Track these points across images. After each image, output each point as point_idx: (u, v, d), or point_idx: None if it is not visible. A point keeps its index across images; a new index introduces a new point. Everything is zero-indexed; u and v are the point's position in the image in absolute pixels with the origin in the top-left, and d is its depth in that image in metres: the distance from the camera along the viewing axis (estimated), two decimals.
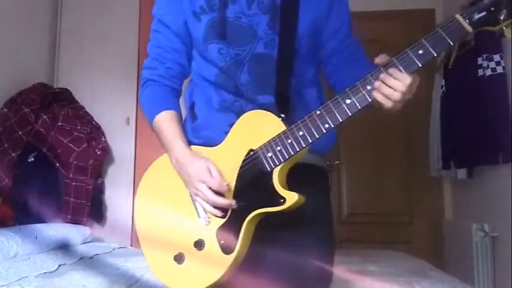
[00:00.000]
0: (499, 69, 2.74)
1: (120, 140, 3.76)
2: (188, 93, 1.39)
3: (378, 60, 1.08)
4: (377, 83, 1.07)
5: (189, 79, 1.43)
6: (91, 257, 2.57)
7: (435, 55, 1.02)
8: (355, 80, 1.10)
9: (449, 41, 1.00)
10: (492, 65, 2.75)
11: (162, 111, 1.33)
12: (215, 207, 1.19)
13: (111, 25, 3.92)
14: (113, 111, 3.79)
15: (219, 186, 1.18)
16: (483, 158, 2.89)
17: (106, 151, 3.57)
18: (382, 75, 1.06)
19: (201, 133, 1.31)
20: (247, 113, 1.23)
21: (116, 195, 3.67)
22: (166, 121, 1.31)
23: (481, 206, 3.15)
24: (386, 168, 3.80)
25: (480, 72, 2.81)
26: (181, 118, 1.37)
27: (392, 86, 1.05)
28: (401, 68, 1.04)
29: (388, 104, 1.07)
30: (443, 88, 3.33)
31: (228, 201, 1.18)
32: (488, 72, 2.76)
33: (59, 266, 2.25)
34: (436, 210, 3.75)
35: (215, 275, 1.16)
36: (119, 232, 3.51)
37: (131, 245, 3.49)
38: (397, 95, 1.05)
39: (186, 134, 1.32)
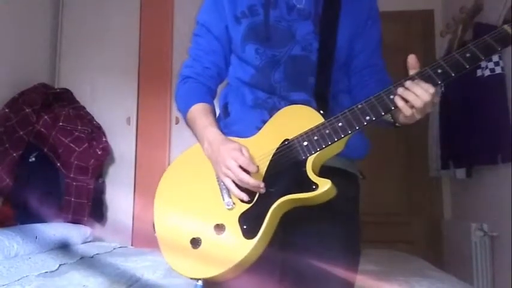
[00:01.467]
0: (498, 70, 2.74)
1: (121, 140, 3.77)
2: (223, 94, 1.42)
3: (411, 60, 1.13)
4: (400, 90, 1.11)
5: (225, 83, 1.46)
6: (91, 257, 2.57)
7: (482, 58, 1.07)
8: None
9: (497, 46, 1.06)
10: (491, 65, 2.75)
11: (197, 103, 1.35)
12: (242, 190, 1.17)
13: (111, 25, 3.92)
14: (113, 111, 3.80)
15: (248, 165, 1.16)
16: (482, 158, 2.89)
17: (107, 151, 3.58)
18: (408, 83, 1.10)
19: (232, 128, 1.32)
20: (285, 107, 1.25)
21: (117, 195, 3.68)
22: (201, 111, 1.33)
23: (480, 206, 3.15)
24: (385, 168, 3.80)
25: (479, 72, 2.81)
26: (215, 112, 1.38)
27: (417, 93, 1.09)
28: (449, 69, 1.09)
29: (408, 112, 1.11)
30: (442, 88, 3.33)
31: (257, 182, 1.15)
32: (487, 72, 2.76)
33: (60, 265, 2.26)
34: (435, 210, 3.75)
35: (233, 260, 1.12)
36: (119, 232, 3.52)
37: (132, 245, 3.50)
38: (418, 102, 1.09)
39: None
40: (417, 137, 3.68)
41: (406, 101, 1.10)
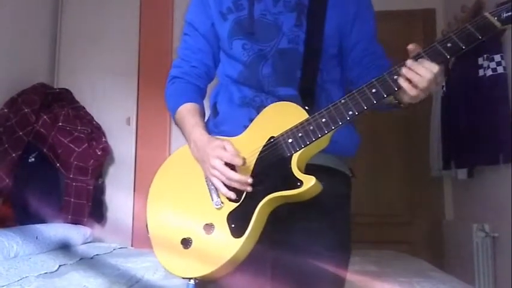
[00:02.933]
0: (500, 70, 2.73)
1: (121, 140, 3.76)
2: (213, 94, 1.42)
3: (410, 47, 1.11)
4: (404, 70, 1.08)
5: (216, 81, 1.46)
6: (91, 258, 2.57)
7: (463, 48, 1.05)
8: None
9: (478, 35, 1.04)
10: (493, 65, 2.74)
11: (185, 103, 1.35)
12: (230, 189, 1.17)
13: (111, 25, 3.92)
14: (113, 111, 3.79)
15: (232, 159, 1.16)
16: (483, 158, 2.88)
17: (106, 151, 3.57)
18: (410, 62, 1.08)
19: (221, 127, 1.32)
20: (271, 104, 1.25)
21: (117, 196, 3.67)
22: (189, 111, 1.33)
23: (481, 206, 3.15)
24: (387, 168, 3.80)
25: (481, 72, 2.81)
26: (204, 112, 1.38)
27: (420, 73, 1.07)
28: (429, 58, 1.07)
29: (412, 92, 1.08)
30: (444, 88, 3.33)
31: (243, 177, 1.15)
32: (489, 72, 2.76)
33: (60, 266, 2.25)
34: (437, 211, 3.74)
35: (222, 259, 1.13)
36: (119, 232, 3.52)
37: (132, 245, 3.49)
38: (423, 82, 1.07)
39: (207, 128, 1.32)
40: (418, 137, 3.67)
41: (409, 81, 1.08)
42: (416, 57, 1.08)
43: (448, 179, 3.68)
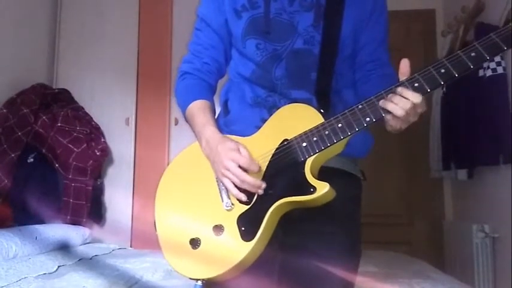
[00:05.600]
0: (500, 70, 2.73)
1: (120, 140, 3.75)
2: (224, 90, 1.40)
3: (403, 68, 1.10)
4: (381, 102, 1.09)
5: (226, 79, 1.44)
6: (90, 258, 2.56)
7: (488, 58, 1.03)
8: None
9: (503, 45, 1.02)
10: (493, 65, 2.73)
11: (195, 100, 1.33)
12: (241, 190, 1.16)
13: (110, 26, 3.91)
14: (112, 111, 3.79)
15: (248, 164, 1.14)
16: (483, 159, 2.88)
17: (105, 152, 3.56)
18: (399, 90, 1.08)
19: (232, 127, 1.30)
20: (285, 106, 1.23)
21: (116, 196, 3.66)
22: (200, 109, 1.31)
23: (481, 207, 3.14)
24: (387, 168, 3.78)
25: (480, 72, 2.80)
26: (214, 110, 1.36)
27: (396, 102, 1.07)
28: (452, 69, 1.05)
29: (393, 121, 1.10)
30: (444, 89, 3.32)
31: (258, 182, 1.14)
32: (489, 72, 2.75)
33: (59, 267, 2.24)
34: (437, 211, 3.74)
35: (231, 262, 1.11)
36: (118, 233, 3.51)
37: (131, 246, 3.48)
38: (401, 111, 1.07)
39: (218, 127, 1.30)
40: (418, 138, 3.66)
41: (388, 111, 1.08)
42: (439, 66, 1.06)
43: (448, 180, 3.68)
